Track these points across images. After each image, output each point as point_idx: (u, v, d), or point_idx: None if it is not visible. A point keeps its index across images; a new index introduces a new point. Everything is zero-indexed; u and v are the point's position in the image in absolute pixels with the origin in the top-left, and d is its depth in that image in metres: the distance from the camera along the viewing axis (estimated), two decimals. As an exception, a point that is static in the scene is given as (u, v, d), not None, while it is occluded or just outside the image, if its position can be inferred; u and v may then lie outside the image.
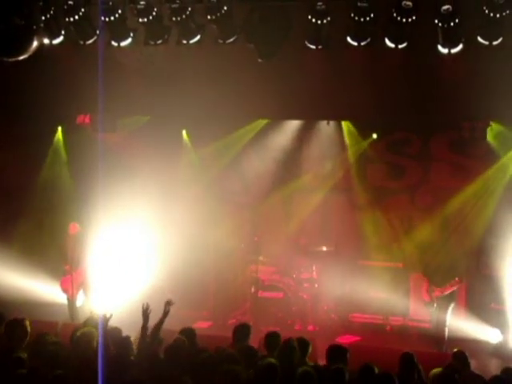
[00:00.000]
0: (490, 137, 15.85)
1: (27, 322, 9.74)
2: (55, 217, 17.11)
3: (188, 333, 9.82)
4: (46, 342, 9.44)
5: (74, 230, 15.64)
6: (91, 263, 15.71)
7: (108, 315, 9.51)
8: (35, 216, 17.34)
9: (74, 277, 15.36)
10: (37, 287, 16.14)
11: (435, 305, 14.29)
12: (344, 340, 14.79)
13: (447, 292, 14.20)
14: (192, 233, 16.73)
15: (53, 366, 8.69)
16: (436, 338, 14.20)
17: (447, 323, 14.18)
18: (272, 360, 8.77)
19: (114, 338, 9.47)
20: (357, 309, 16.30)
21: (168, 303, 9.69)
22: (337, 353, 9.39)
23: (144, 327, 9.41)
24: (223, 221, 17.10)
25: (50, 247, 16.55)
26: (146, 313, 9.47)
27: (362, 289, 15.96)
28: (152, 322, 9.52)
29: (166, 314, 9.63)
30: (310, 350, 9.62)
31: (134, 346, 9.30)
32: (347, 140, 17.50)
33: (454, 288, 14.21)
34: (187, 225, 16.80)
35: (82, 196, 16.31)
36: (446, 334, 14.17)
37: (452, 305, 14.30)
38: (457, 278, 14.12)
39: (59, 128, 17.87)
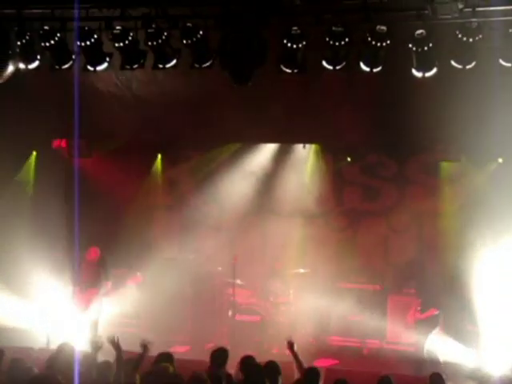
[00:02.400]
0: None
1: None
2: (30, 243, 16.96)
3: (165, 358, 9.76)
4: (21, 368, 9.36)
5: (94, 255, 15.52)
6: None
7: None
8: (9, 243, 17.16)
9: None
10: (13, 313, 15.98)
11: (417, 327, 14.32)
12: (322, 363, 14.73)
13: (424, 317, 14.20)
14: (169, 256, 16.68)
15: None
16: (415, 362, 14.19)
17: (427, 347, 14.16)
18: None
19: (91, 364, 9.41)
20: (334, 332, 16.30)
21: (145, 345, 9.59)
22: (312, 374, 9.40)
23: (118, 358, 9.29)
24: (200, 244, 17.07)
25: (27, 273, 16.39)
26: (116, 345, 9.35)
27: (339, 312, 15.96)
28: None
29: (143, 355, 9.51)
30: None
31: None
32: (322, 163, 17.57)
33: (432, 314, 14.21)
34: (163, 248, 16.75)
35: (59, 220, 16.21)
36: (424, 355, 14.16)
37: (435, 330, 14.25)
38: (432, 309, 14.17)
39: (34, 153, 17.79)
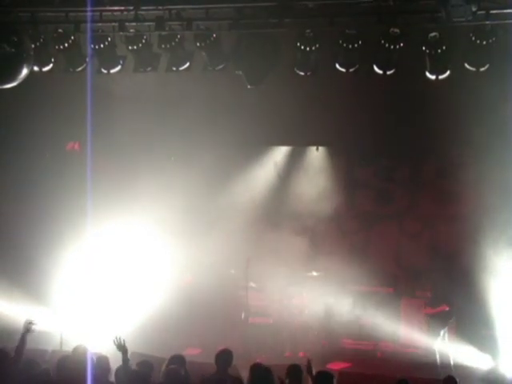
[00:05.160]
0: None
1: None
2: (44, 245, 17.00)
3: (177, 360, 9.76)
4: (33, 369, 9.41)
5: None
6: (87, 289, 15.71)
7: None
8: (24, 245, 17.18)
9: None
10: (27, 315, 16.00)
11: (428, 323, 14.38)
12: (335, 366, 14.72)
13: (435, 312, 14.24)
14: (182, 259, 16.69)
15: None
16: (429, 364, 14.18)
17: (438, 348, 14.16)
18: None
19: (103, 366, 9.43)
20: (347, 335, 16.25)
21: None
22: (324, 379, 9.34)
23: (125, 360, 9.26)
24: (212, 247, 17.06)
25: (39, 275, 16.43)
26: (122, 346, 9.30)
27: (352, 314, 15.94)
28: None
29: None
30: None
31: None
32: (335, 166, 17.56)
33: (443, 309, 14.25)
34: (177, 251, 16.76)
35: (72, 222, 16.24)
36: (438, 358, 14.15)
37: (444, 330, 14.25)
38: (444, 305, 14.17)
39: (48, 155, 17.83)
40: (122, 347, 9.19)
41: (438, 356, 14.18)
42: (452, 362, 14.24)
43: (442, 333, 14.24)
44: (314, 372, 9.44)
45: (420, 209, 17.18)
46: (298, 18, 11.61)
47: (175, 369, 9.29)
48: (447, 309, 14.24)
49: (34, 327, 9.90)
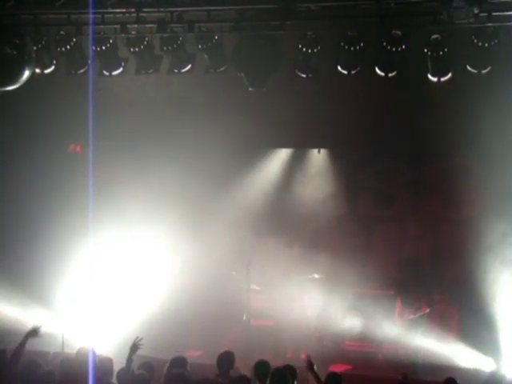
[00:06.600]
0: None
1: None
2: (47, 247, 17.01)
3: (179, 362, 9.75)
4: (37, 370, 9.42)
5: None
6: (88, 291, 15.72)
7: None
8: (26, 247, 17.20)
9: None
10: (30, 317, 16.01)
11: (405, 327, 14.49)
12: (336, 369, 14.65)
13: (416, 316, 14.37)
14: (183, 261, 16.69)
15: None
16: (409, 363, 14.24)
17: (417, 347, 14.28)
18: None
19: (107, 368, 9.43)
20: (349, 337, 16.23)
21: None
22: (333, 381, 9.36)
23: (129, 359, 9.30)
24: (214, 249, 17.07)
25: (41, 277, 16.44)
26: (135, 346, 9.36)
27: (354, 317, 15.92)
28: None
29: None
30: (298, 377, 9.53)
31: None
32: (337, 168, 17.56)
33: (423, 312, 14.39)
34: (178, 253, 16.76)
35: (74, 224, 16.25)
36: (420, 358, 14.26)
37: (421, 329, 14.40)
38: (424, 307, 14.33)
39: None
40: (135, 347, 9.26)
41: (420, 355, 14.31)
42: (453, 365, 14.23)
43: (420, 332, 14.41)
44: (315, 368, 9.49)
45: (421, 212, 17.17)
46: (300, 20, 11.64)
47: (180, 372, 9.28)
48: (427, 310, 14.41)
49: (39, 333, 10.01)
